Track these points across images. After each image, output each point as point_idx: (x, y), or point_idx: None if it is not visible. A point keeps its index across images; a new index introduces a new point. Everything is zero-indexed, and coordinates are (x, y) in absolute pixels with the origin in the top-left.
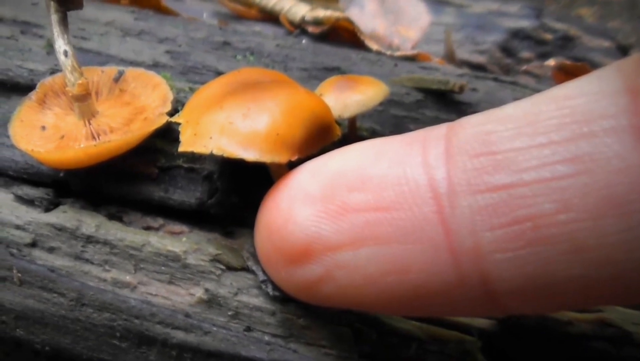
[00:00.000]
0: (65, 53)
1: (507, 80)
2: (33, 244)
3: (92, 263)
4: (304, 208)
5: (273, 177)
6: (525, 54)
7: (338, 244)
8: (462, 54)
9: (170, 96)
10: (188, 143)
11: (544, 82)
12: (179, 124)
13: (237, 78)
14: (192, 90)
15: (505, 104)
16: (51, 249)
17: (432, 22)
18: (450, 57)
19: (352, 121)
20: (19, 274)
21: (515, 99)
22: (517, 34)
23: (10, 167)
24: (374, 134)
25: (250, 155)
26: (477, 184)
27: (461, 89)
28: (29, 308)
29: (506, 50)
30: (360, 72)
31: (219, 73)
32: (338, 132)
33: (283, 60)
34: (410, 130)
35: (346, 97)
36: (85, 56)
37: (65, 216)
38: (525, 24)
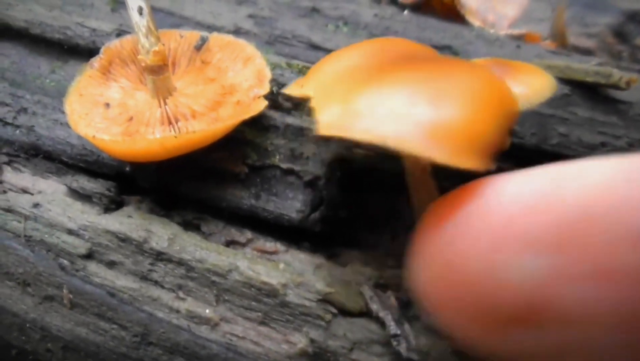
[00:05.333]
0: (140, 10)
1: None
2: (89, 256)
3: (163, 287)
4: (528, 258)
5: (412, 188)
6: None
7: (594, 312)
8: (568, 36)
9: (268, 74)
10: (336, 125)
11: None
12: (278, 106)
13: (382, 47)
14: (290, 66)
15: None
16: (111, 265)
17: None
18: (559, 40)
19: None
20: (70, 295)
21: None
22: (635, 17)
23: (64, 151)
24: (513, 136)
25: (439, 154)
26: None
27: (628, 84)
28: (80, 339)
29: (620, 35)
30: (477, 53)
31: (312, 45)
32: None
33: (383, 33)
34: (558, 133)
35: None
36: (155, 16)
37: (131, 222)
38: None
